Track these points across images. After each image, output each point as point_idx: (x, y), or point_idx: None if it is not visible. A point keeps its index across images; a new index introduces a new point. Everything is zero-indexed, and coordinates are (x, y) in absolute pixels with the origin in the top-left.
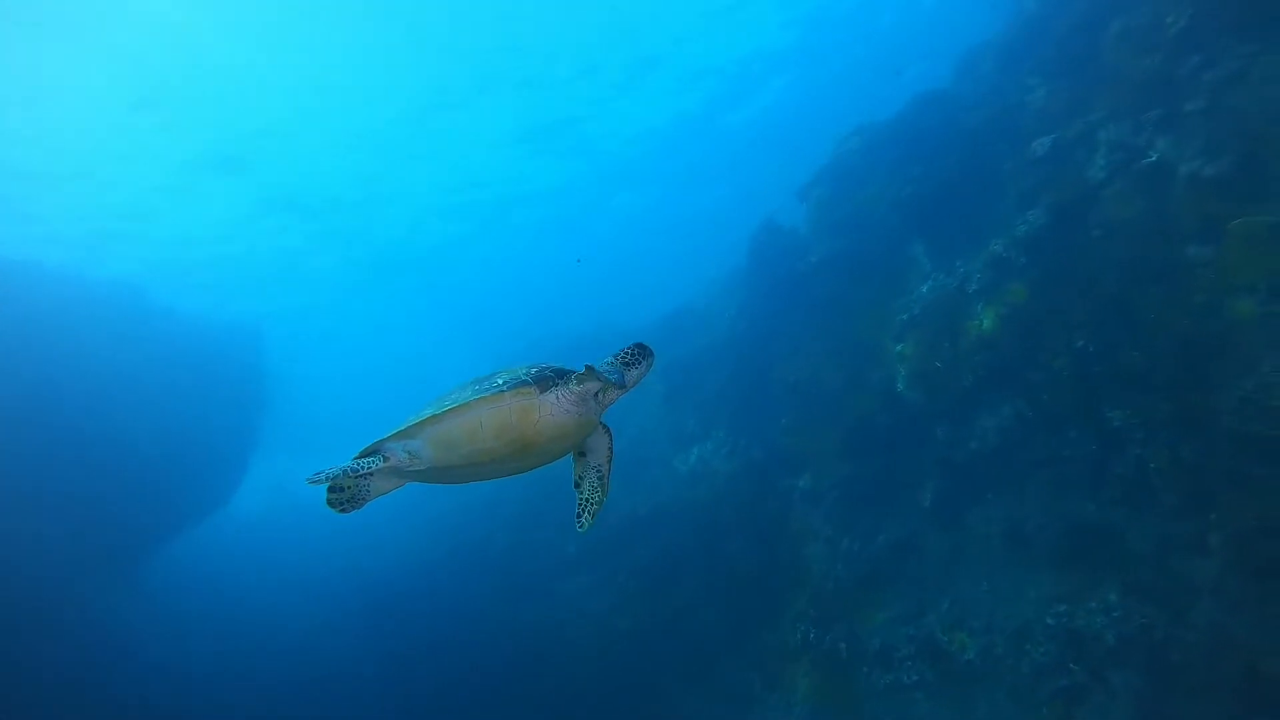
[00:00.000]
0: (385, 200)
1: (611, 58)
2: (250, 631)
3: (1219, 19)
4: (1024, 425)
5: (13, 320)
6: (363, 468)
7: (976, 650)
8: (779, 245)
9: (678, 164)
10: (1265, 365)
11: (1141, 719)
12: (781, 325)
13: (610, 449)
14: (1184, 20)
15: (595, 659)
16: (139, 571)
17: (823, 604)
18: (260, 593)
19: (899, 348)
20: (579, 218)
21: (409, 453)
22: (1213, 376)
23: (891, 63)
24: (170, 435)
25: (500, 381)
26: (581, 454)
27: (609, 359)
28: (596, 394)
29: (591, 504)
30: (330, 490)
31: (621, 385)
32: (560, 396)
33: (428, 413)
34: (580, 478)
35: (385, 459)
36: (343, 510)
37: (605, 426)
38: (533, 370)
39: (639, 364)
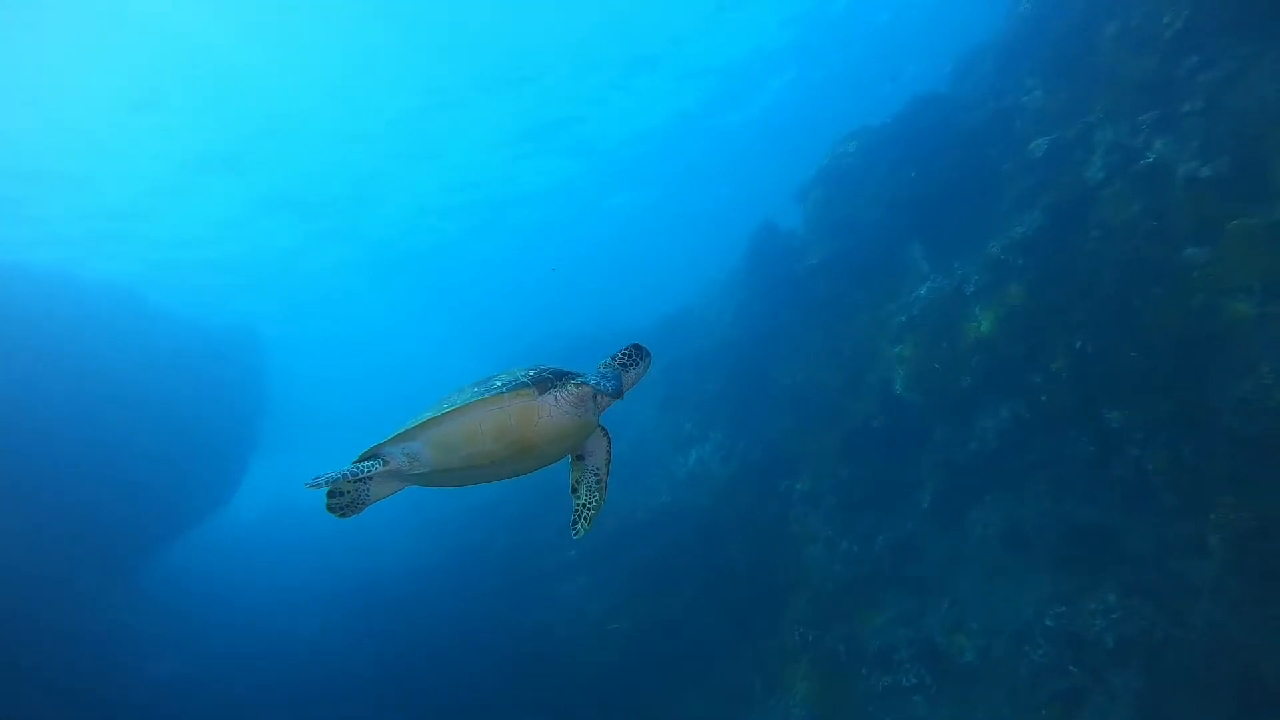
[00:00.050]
0: (383, 200)
1: (610, 57)
2: (249, 633)
3: (1216, 20)
4: (1023, 426)
5: (11, 322)
6: (362, 471)
7: (975, 652)
8: (777, 247)
9: (676, 164)
10: (1264, 366)
11: None
12: (780, 327)
13: (609, 452)
14: (1181, 21)
15: (594, 661)
16: (138, 574)
17: (821, 606)
18: (259, 594)
19: (897, 349)
20: (577, 218)
21: (408, 456)
22: (1211, 377)
23: (889, 63)
24: (169, 437)
25: (499, 383)
26: (580, 457)
27: (607, 360)
28: (595, 395)
29: (588, 509)
30: (330, 495)
31: (619, 393)
32: (559, 398)
33: (427, 415)
34: (577, 482)
35: (385, 462)
36: (342, 515)
37: (604, 429)
38: (531, 372)
39: (636, 365)
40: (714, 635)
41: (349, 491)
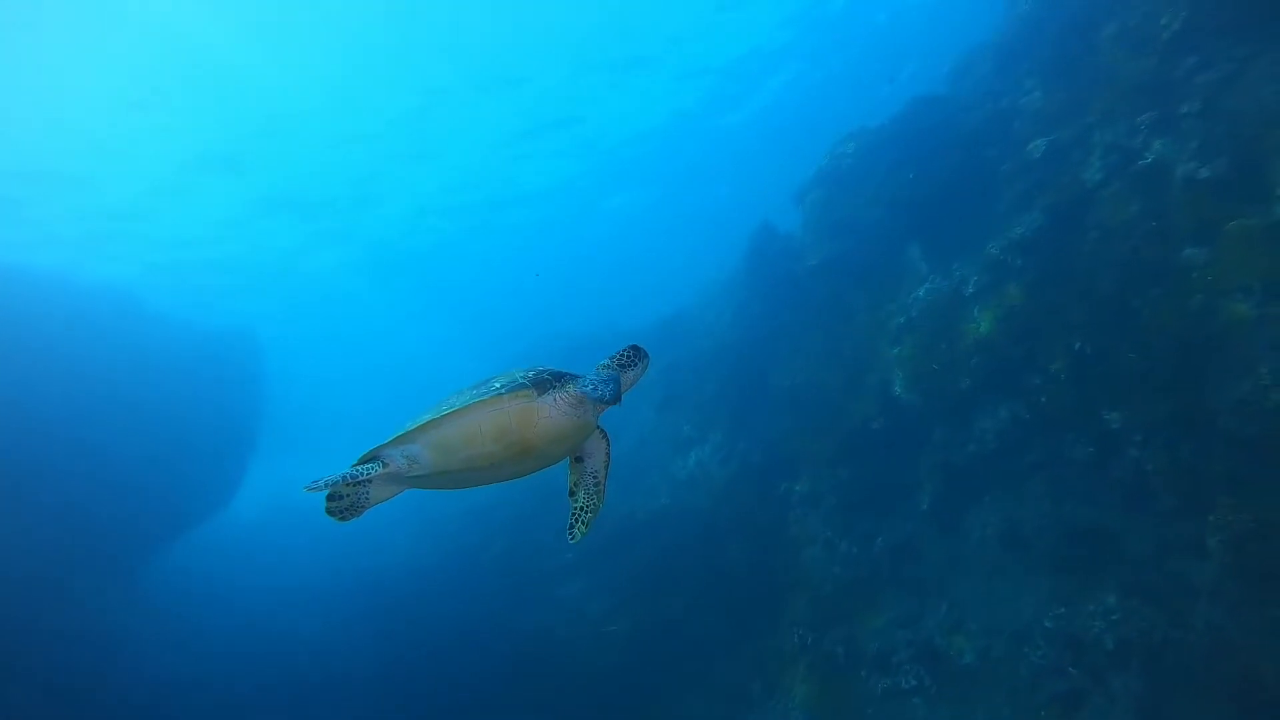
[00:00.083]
0: (383, 200)
1: (609, 57)
2: (248, 634)
3: (1213, 21)
4: (1022, 428)
5: (10, 324)
6: (361, 474)
7: (975, 654)
8: (776, 248)
9: (675, 165)
10: (1262, 367)
11: None
12: (779, 328)
13: (607, 453)
14: (1179, 22)
15: (594, 662)
16: (137, 575)
17: (820, 607)
18: (259, 596)
19: (896, 351)
20: (577, 218)
21: (408, 458)
22: (1210, 378)
23: (888, 63)
24: (167, 440)
25: (498, 385)
26: (578, 459)
27: (605, 361)
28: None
29: (586, 513)
30: (329, 498)
31: (617, 398)
32: (558, 399)
33: (426, 417)
34: (575, 484)
35: (384, 465)
36: (341, 518)
37: (603, 431)
38: (530, 373)
39: (635, 366)
40: (713, 637)
41: (348, 495)
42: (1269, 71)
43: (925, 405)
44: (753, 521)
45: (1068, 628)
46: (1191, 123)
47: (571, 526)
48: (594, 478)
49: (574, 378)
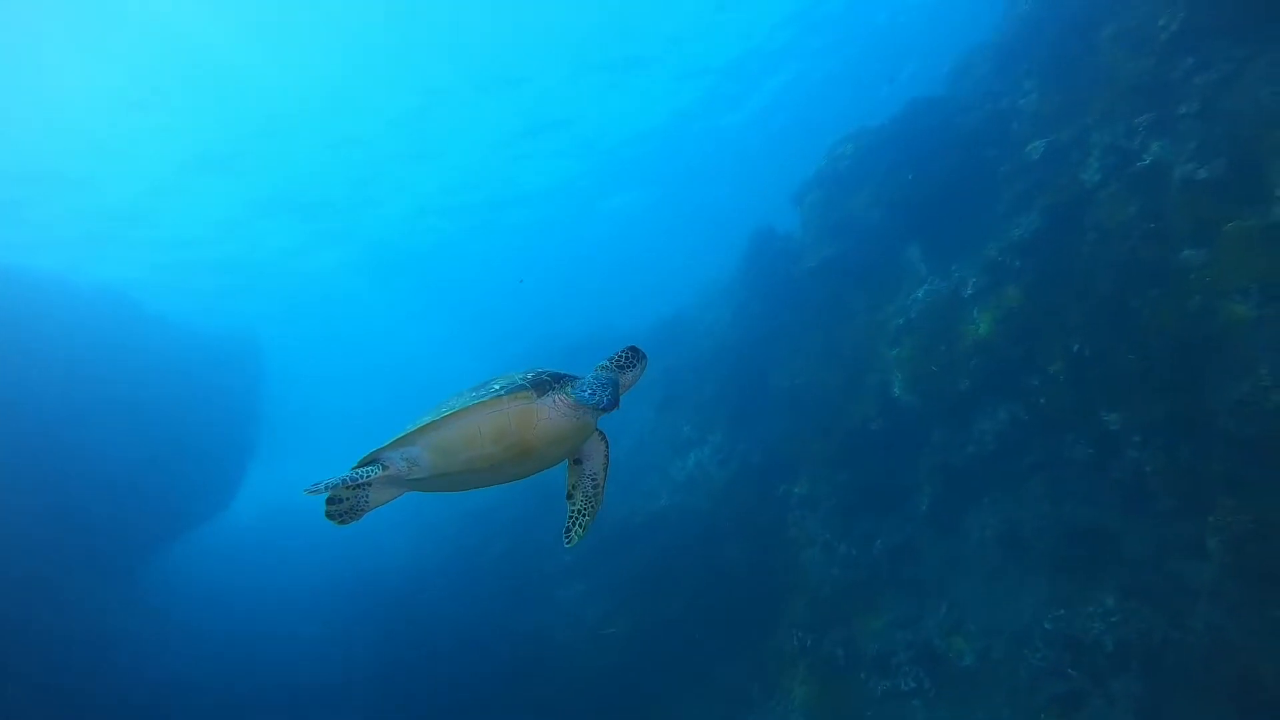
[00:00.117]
0: (382, 200)
1: (608, 57)
2: (247, 636)
3: (1211, 22)
4: (1021, 429)
5: (10, 326)
6: (361, 477)
7: (974, 655)
8: (775, 249)
9: (674, 165)
10: (1261, 368)
11: None
12: (778, 330)
13: (606, 455)
14: (1177, 24)
15: (593, 664)
16: (136, 578)
17: (820, 609)
18: (257, 598)
19: (895, 352)
20: (576, 218)
21: (408, 460)
22: (1209, 379)
23: (887, 63)
24: (166, 443)
25: (497, 386)
26: (577, 461)
27: (604, 363)
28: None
29: (583, 516)
30: (329, 502)
31: (615, 404)
32: (557, 400)
33: (426, 419)
34: (573, 487)
35: (384, 467)
36: (341, 522)
37: (601, 433)
38: (529, 375)
39: (633, 367)
40: (712, 638)
41: (348, 498)
42: (1267, 72)
43: (924, 406)
44: (752, 523)
45: (1067, 629)
46: (1190, 124)
47: (568, 529)
48: (593, 480)
49: (573, 380)
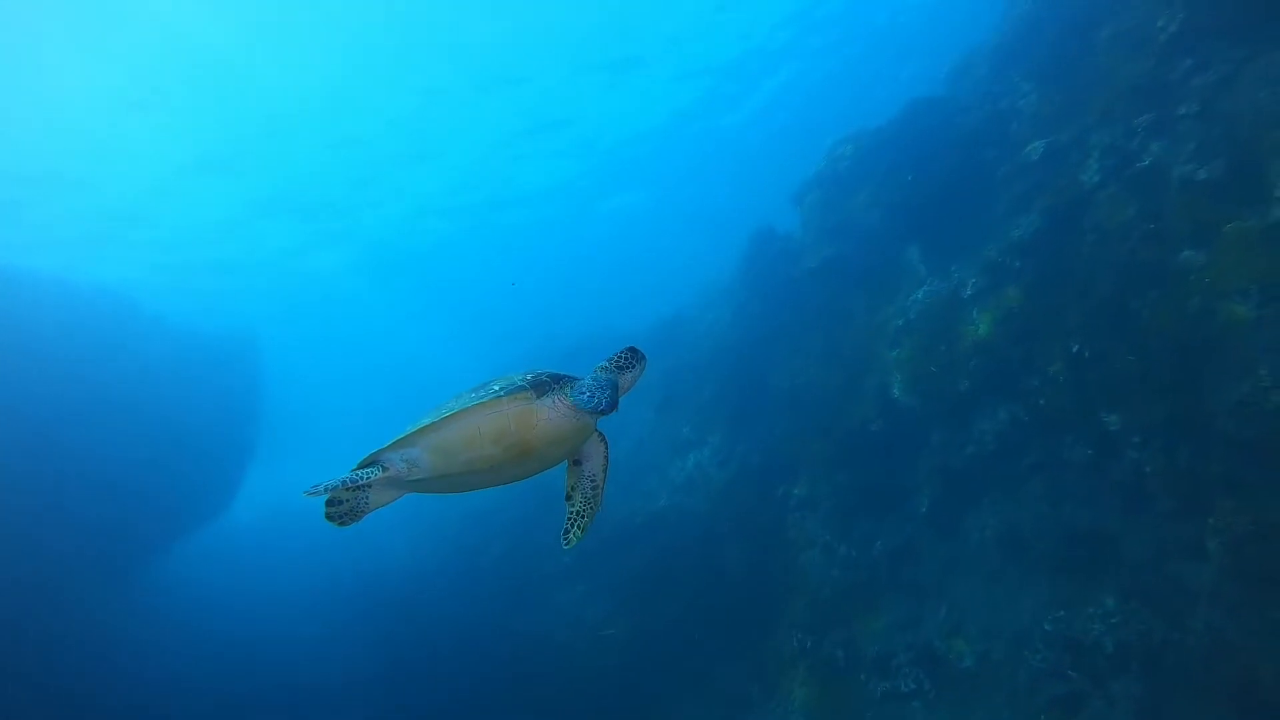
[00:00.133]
0: (382, 201)
1: (607, 56)
2: (247, 638)
3: (1210, 23)
4: (1020, 430)
5: (9, 328)
6: (361, 478)
7: (974, 657)
8: (774, 250)
9: (673, 166)
10: (1261, 369)
11: None
12: (777, 331)
13: (606, 456)
14: (1175, 25)
15: (592, 665)
16: (135, 580)
17: (819, 611)
18: (257, 600)
19: (894, 353)
20: (576, 218)
21: (407, 462)
22: (1208, 380)
23: (886, 64)
24: (165, 445)
25: (497, 387)
26: (576, 462)
27: (603, 364)
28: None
29: (582, 517)
30: (328, 504)
31: (613, 407)
32: (557, 401)
33: (425, 421)
34: (572, 488)
35: (384, 469)
36: (341, 524)
37: (601, 434)
38: (529, 376)
39: (632, 368)
40: (712, 640)
41: (347, 500)
42: (1265, 74)
43: (924, 408)
44: (751, 524)
45: (1067, 631)
46: (1189, 125)
47: (567, 531)
48: (592, 481)
49: (572, 381)
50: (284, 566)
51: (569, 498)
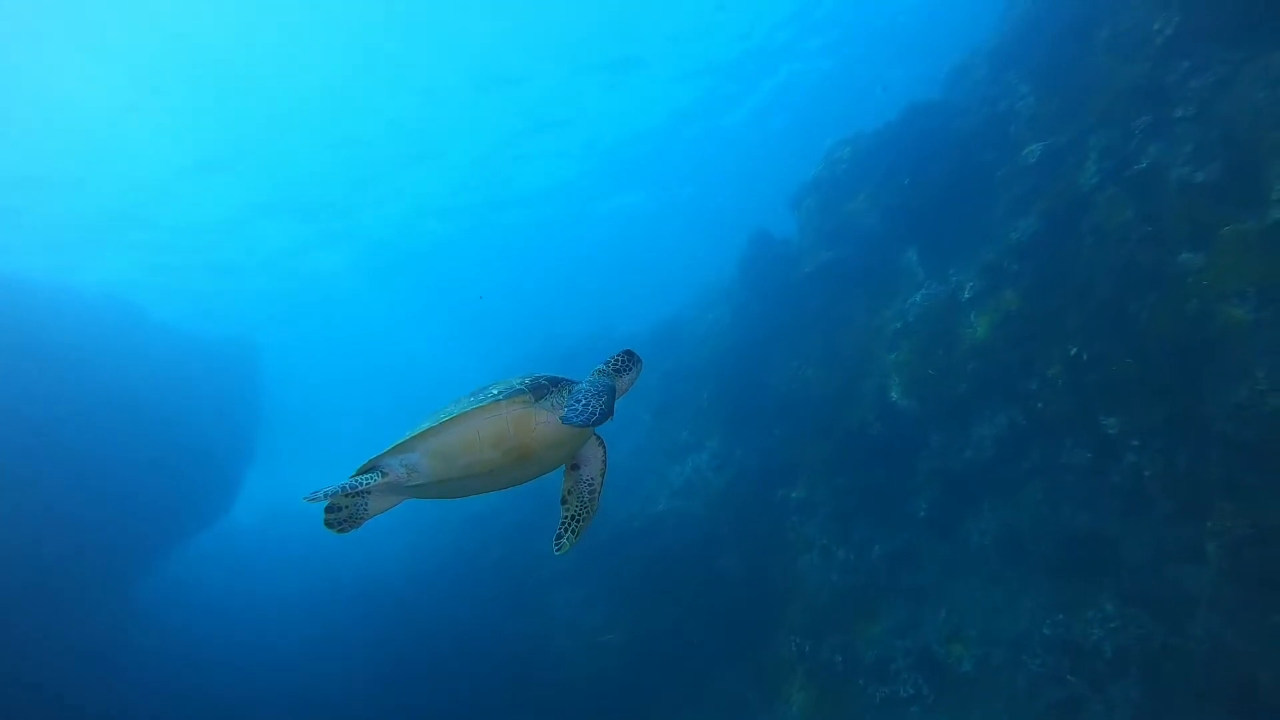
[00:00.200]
0: (382, 201)
1: (607, 56)
2: (246, 641)
3: (1206, 25)
4: (1019, 433)
5: (8, 331)
6: (361, 484)
7: (973, 662)
8: (772, 253)
9: (672, 167)
10: (1259, 371)
11: None
12: (775, 334)
13: (604, 461)
14: (1172, 27)
15: (590, 670)
16: (134, 585)
17: (818, 615)
18: (256, 603)
19: (893, 356)
20: (576, 219)
21: (407, 467)
22: (1207, 383)
23: (885, 65)
24: (165, 447)
25: (495, 391)
26: (574, 466)
27: (601, 366)
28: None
29: (576, 522)
30: (327, 510)
31: (609, 414)
32: (556, 405)
33: (424, 425)
34: (569, 492)
35: (383, 474)
36: (340, 530)
37: (599, 437)
38: (527, 380)
39: (629, 370)
40: (710, 645)
41: (347, 506)
42: (1262, 75)
43: (922, 411)
44: (750, 528)
45: (1066, 635)
46: (1186, 127)
47: (559, 536)
48: (589, 485)
49: (570, 384)
50: (284, 569)
51: (564, 501)
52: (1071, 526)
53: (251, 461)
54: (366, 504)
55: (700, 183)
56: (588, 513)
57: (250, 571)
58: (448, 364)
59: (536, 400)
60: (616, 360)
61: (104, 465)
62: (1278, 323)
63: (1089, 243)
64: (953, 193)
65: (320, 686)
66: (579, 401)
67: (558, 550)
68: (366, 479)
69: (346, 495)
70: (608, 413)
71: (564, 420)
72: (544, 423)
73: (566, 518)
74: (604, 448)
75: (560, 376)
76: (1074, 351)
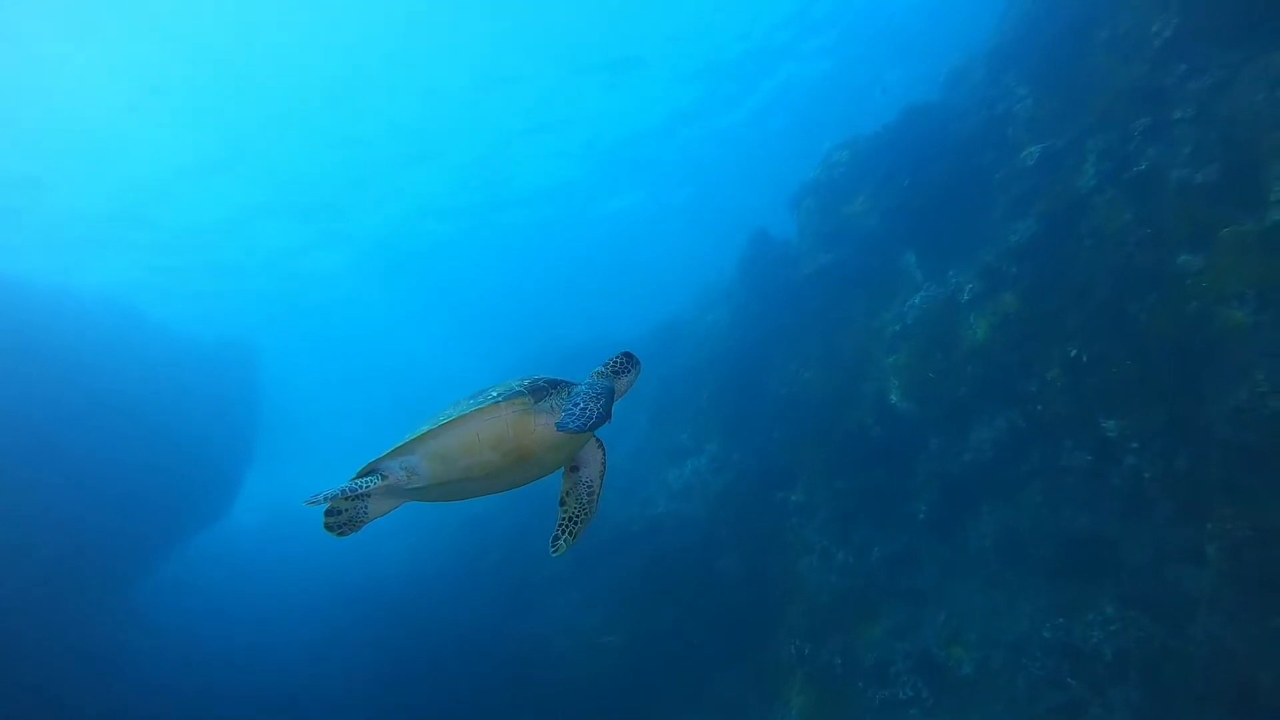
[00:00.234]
0: (382, 202)
1: (607, 56)
2: (245, 643)
3: (1205, 27)
4: (1018, 436)
5: (6, 333)
6: (360, 487)
7: (973, 664)
8: (771, 255)
9: (672, 167)
10: (1258, 374)
11: None
12: (774, 336)
13: (603, 463)
14: (1170, 29)
15: (589, 673)
16: (134, 587)
17: (817, 618)
18: (256, 605)
19: (892, 359)
20: (577, 219)
21: (407, 470)
22: (1206, 385)
23: (885, 66)
24: (165, 449)
25: (495, 394)
26: (573, 468)
27: (599, 368)
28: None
29: (574, 523)
30: (327, 513)
31: (606, 417)
32: (555, 406)
33: (424, 428)
34: (567, 494)
35: (383, 477)
36: (340, 533)
37: (598, 439)
38: (526, 382)
39: (628, 372)
40: (709, 647)
41: (347, 509)
42: (1261, 77)
43: (922, 413)
44: (749, 531)
45: (1066, 638)
46: (1184, 129)
47: (556, 537)
48: (588, 487)
49: (569, 386)
50: (283, 570)
51: (563, 503)
52: (1071, 529)
53: (251, 463)
54: (367, 507)
55: (700, 183)
56: (586, 514)
57: (250, 573)
58: (448, 365)
59: (536, 402)
60: (615, 362)
61: (103, 466)
62: (1277, 324)
63: (1088, 245)
64: (951, 195)
65: (320, 687)
66: (575, 406)
67: (555, 551)
68: (366, 482)
69: (347, 498)
70: (605, 416)
71: (559, 428)
72: (543, 425)
73: (564, 519)
74: (603, 450)
75: (559, 378)
76: (1073, 353)
